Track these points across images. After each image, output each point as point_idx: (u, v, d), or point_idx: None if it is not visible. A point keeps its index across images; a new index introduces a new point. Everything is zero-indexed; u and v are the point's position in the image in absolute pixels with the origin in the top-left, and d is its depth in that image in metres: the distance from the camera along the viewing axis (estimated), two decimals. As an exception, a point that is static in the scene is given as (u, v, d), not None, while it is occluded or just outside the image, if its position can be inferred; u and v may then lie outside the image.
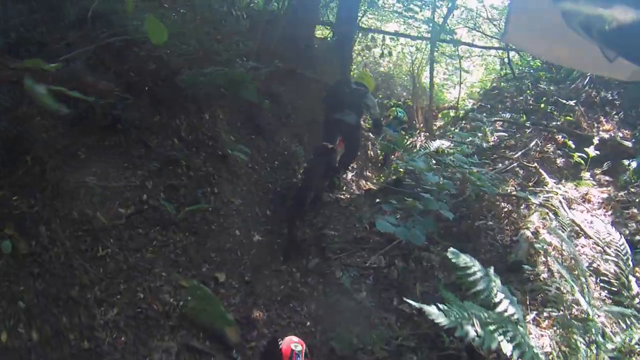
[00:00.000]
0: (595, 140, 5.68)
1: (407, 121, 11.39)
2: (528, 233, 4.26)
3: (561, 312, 3.08)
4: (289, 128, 6.92)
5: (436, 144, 5.74)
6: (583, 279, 2.96)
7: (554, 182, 5.33)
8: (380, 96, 14.57)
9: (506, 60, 12.28)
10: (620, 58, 0.90)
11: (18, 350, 2.27)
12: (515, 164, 6.16)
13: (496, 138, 7.63)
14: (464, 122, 12.08)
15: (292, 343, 2.60)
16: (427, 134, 11.75)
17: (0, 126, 2.77)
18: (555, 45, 1.13)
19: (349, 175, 7.68)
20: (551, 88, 8.82)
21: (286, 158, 6.29)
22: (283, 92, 6.98)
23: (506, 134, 7.64)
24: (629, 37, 0.81)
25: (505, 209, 4.84)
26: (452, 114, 14.13)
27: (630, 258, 3.27)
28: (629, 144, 5.85)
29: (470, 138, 7.11)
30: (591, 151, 5.42)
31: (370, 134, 9.69)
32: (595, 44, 0.89)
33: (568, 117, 7.00)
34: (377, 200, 5.33)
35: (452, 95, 17.07)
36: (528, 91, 9.69)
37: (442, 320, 1.96)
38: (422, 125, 13.39)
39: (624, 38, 0.82)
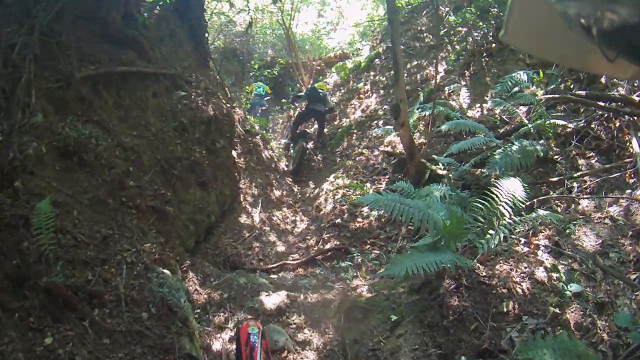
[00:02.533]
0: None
1: (270, 92, 11.61)
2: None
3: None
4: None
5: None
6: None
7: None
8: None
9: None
10: (620, 58, 0.88)
11: None
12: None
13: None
14: (372, 72, 11.74)
15: (249, 327, 2.90)
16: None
17: None
18: (556, 45, 1.13)
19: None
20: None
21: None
22: (105, 118, 5.51)
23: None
24: (629, 37, 0.81)
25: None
26: (349, 65, 13.10)
27: None
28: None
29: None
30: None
31: None
32: (595, 44, 0.87)
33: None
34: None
35: (334, 41, 15.85)
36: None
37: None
38: (309, 87, 12.76)
39: (624, 38, 0.82)
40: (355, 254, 6.61)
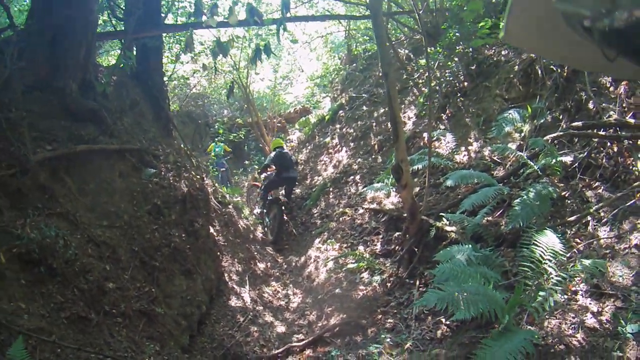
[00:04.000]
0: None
1: (229, 151, 11.39)
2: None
3: None
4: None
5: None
6: None
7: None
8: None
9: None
10: (620, 58, 0.87)
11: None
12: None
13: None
14: (337, 125, 11.46)
15: None
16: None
17: None
18: (556, 45, 1.12)
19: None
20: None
21: None
22: (70, 208, 4.90)
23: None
24: (629, 37, 0.79)
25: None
26: (312, 119, 12.85)
27: None
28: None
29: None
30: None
31: None
32: (595, 43, 0.86)
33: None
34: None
35: (292, 96, 15.49)
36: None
37: None
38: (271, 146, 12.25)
39: (624, 38, 0.80)
40: (367, 326, 5.96)
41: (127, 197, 5.78)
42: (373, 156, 9.85)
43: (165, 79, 8.61)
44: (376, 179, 8.67)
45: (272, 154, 9.85)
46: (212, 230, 7.49)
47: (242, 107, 14.51)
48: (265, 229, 9.95)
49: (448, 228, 5.95)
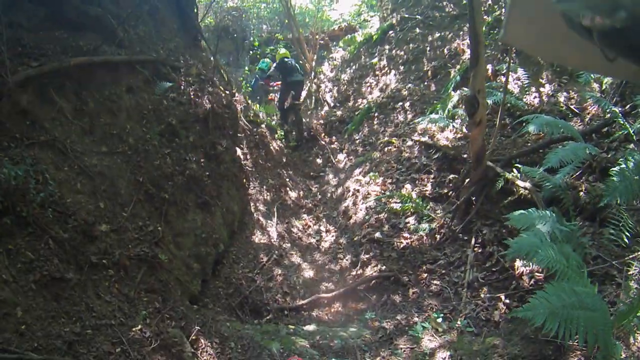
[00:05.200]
0: None
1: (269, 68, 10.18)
2: None
3: None
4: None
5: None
6: None
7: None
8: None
9: None
10: (620, 58, 0.85)
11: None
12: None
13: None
14: (386, 46, 10.15)
15: None
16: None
17: None
18: (556, 45, 1.08)
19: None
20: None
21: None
22: (59, 135, 3.85)
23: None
24: (629, 37, 0.77)
25: None
26: (359, 38, 11.59)
27: None
28: None
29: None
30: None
31: None
32: (595, 44, 0.83)
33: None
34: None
35: (337, 13, 13.99)
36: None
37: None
38: (313, 64, 11.60)
39: (623, 38, 0.78)
40: (409, 285, 5.08)
41: (136, 116, 4.82)
42: (425, 83, 8.48)
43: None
44: (428, 109, 7.37)
45: (274, 64, 9.83)
46: (239, 152, 6.55)
47: (282, 23, 13.13)
48: (286, 134, 9.68)
49: (520, 183, 4.77)
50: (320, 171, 8.55)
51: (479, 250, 4.93)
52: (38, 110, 3.79)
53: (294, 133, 9.67)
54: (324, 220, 7.12)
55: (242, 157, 6.66)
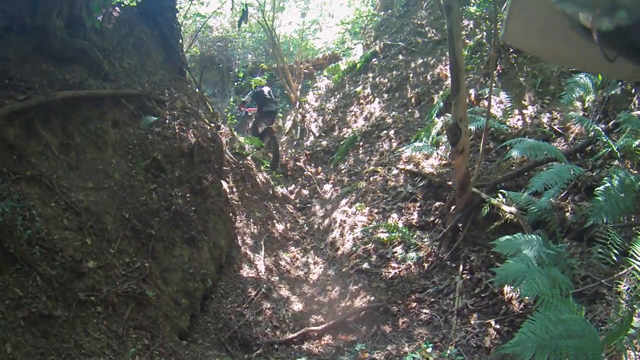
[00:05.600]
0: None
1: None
2: None
3: None
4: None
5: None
6: None
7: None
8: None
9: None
10: (620, 58, 0.86)
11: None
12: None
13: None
14: (370, 74, 10.39)
15: None
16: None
17: None
18: (556, 45, 1.10)
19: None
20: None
21: None
22: (46, 170, 3.80)
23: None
24: (629, 37, 0.77)
25: None
26: (342, 66, 11.75)
27: None
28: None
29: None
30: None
31: None
32: (596, 44, 0.84)
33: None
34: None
35: (321, 42, 14.30)
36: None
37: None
38: (298, 93, 11.77)
39: (624, 38, 0.79)
40: (398, 315, 5.07)
41: (121, 151, 4.85)
42: (409, 110, 8.67)
43: (179, 16, 7.38)
44: (413, 136, 7.52)
45: (250, 92, 10.13)
46: (224, 186, 6.56)
47: (267, 52, 13.37)
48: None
49: (505, 207, 4.86)
50: (307, 202, 8.58)
51: (468, 277, 4.97)
52: (24, 145, 3.79)
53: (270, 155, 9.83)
54: (311, 252, 7.11)
55: (228, 190, 6.67)
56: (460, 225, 5.30)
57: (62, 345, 3.09)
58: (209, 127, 6.48)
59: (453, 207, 5.43)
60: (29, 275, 3.14)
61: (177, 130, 5.64)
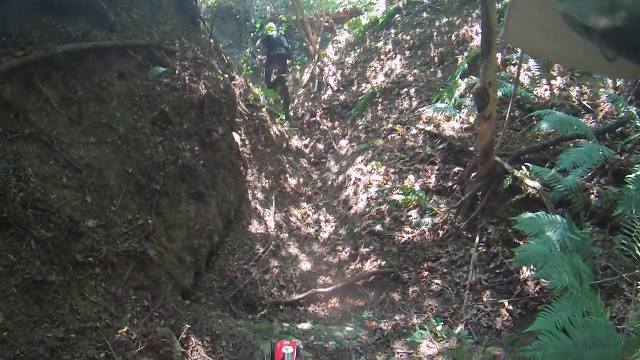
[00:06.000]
0: None
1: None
2: None
3: None
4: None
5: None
6: None
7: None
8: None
9: None
10: (620, 58, 0.83)
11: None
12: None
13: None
14: (392, 30, 9.85)
15: (284, 347, 2.70)
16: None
17: None
18: (556, 45, 1.08)
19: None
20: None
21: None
22: (45, 127, 3.63)
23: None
24: (629, 37, 0.76)
25: None
26: (364, 21, 11.23)
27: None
28: None
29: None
30: None
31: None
32: (596, 43, 0.82)
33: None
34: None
35: None
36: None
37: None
38: (317, 46, 11.29)
39: (624, 38, 0.77)
40: (409, 283, 4.92)
41: (127, 104, 4.60)
42: (432, 69, 8.18)
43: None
44: (434, 96, 7.11)
45: (261, 39, 10.17)
46: (237, 139, 6.33)
47: (286, 4, 12.76)
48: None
49: (529, 182, 4.55)
50: (322, 157, 8.33)
51: (484, 250, 4.75)
52: (23, 102, 3.57)
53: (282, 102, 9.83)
54: (324, 209, 6.94)
55: (240, 143, 6.44)
56: (480, 194, 5.02)
57: (56, 312, 3.00)
58: (222, 79, 6.16)
59: (473, 175, 5.13)
60: (23, 240, 3.00)
61: (187, 82, 5.36)
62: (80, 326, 3.10)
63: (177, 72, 5.31)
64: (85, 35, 4.29)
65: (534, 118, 5.06)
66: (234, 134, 6.30)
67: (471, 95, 5.52)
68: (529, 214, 3.83)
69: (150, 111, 4.79)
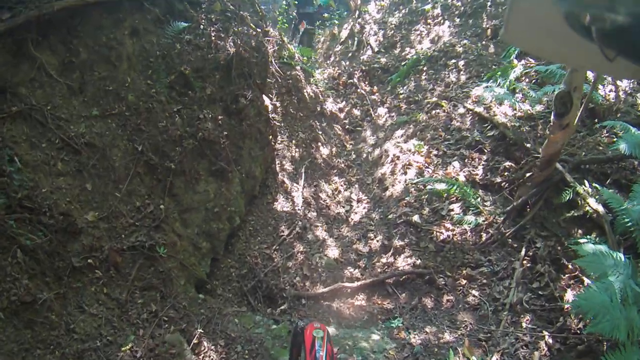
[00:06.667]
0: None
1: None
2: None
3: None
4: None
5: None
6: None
7: None
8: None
9: None
10: (620, 58, 0.81)
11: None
12: None
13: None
14: None
15: (314, 329, 2.60)
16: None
17: None
18: (556, 45, 1.05)
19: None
20: None
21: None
22: (38, 99, 3.45)
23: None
24: (629, 36, 0.76)
25: None
26: None
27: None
28: None
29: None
30: None
31: None
32: (595, 43, 0.80)
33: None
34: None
35: None
36: None
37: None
38: (359, 1, 10.62)
39: (623, 38, 0.77)
40: (444, 290, 4.40)
41: (140, 66, 4.04)
42: (484, 42, 7.29)
43: None
44: (486, 73, 6.25)
45: None
46: (267, 102, 5.70)
47: None
48: None
49: (592, 203, 3.85)
50: (357, 125, 7.63)
51: (528, 266, 4.15)
52: (11, 73, 3.05)
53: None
54: (356, 185, 6.36)
55: (270, 107, 5.82)
56: (532, 201, 4.34)
57: (50, 335, 2.62)
58: (254, 33, 5.47)
59: (528, 176, 4.43)
60: (7, 252, 2.57)
61: (213, 38, 4.73)
62: (77, 348, 2.73)
63: (201, 26, 4.68)
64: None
65: (601, 127, 4.32)
66: (264, 97, 5.68)
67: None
68: (591, 247, 3.19)
69: (166, 74, 4.22)
